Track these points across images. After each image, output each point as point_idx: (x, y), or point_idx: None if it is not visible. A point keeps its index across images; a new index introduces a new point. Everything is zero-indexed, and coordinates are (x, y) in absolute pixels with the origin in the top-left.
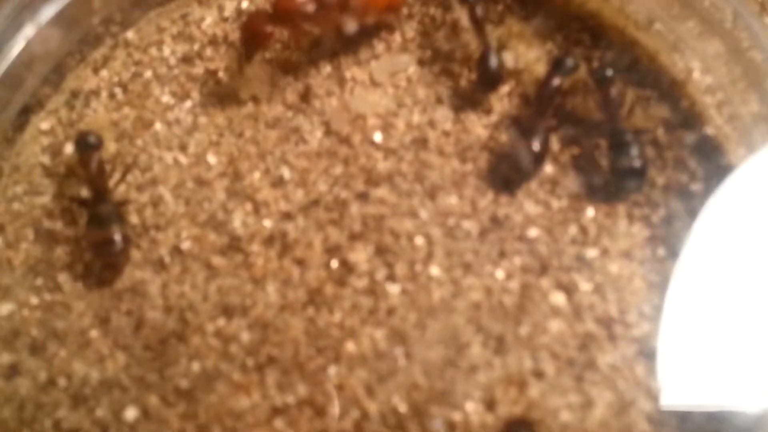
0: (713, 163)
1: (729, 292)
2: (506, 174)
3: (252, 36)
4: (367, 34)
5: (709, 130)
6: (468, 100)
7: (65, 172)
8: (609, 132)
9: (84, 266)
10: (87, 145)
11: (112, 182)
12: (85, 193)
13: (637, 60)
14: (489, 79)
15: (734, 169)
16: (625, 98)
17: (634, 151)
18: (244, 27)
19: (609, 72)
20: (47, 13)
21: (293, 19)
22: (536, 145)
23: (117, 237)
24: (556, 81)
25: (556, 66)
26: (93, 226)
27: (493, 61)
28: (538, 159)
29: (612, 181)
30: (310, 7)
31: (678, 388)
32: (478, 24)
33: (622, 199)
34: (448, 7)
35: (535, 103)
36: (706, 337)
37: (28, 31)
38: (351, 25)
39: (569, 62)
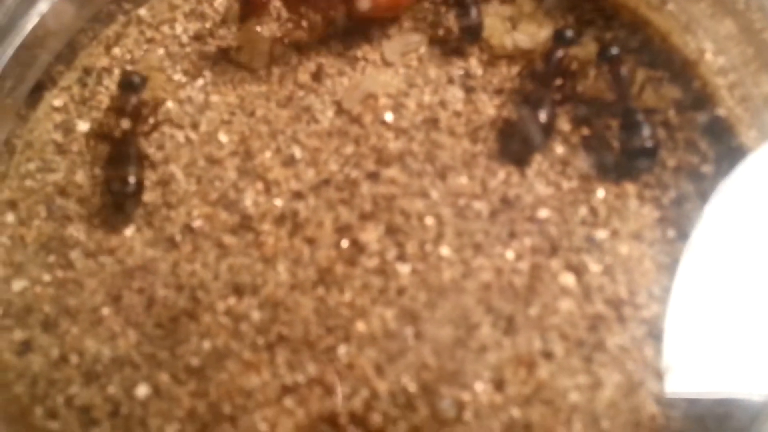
0: (724, 144)
1: (738, 276)
2: (517, 153)
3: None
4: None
5: (721, 112)
6: (478, 80)
7: (78, 149)
8: (620, 112)
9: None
10: (130, 84)
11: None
12: (125, 124)
13: (650, 40)
14: (470, 30)
15: (745, 151)
16: (635, 77)
17: (646, 130)
18: None
19: (615, 50)
20: None
21: None
22: (543, 116)
23: (132, 179)
24: (559, 53)
25: (557, 37)
26: (113, 163)
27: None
28: (546, 130)
29: (623, 161)
30: None
31: (685, 372)
32: None
33: (633, 179)
34: None
35: (540, 76)
36: (714, 321)
37: (42, 7)
38: (364, 2)
39: (568, 33)
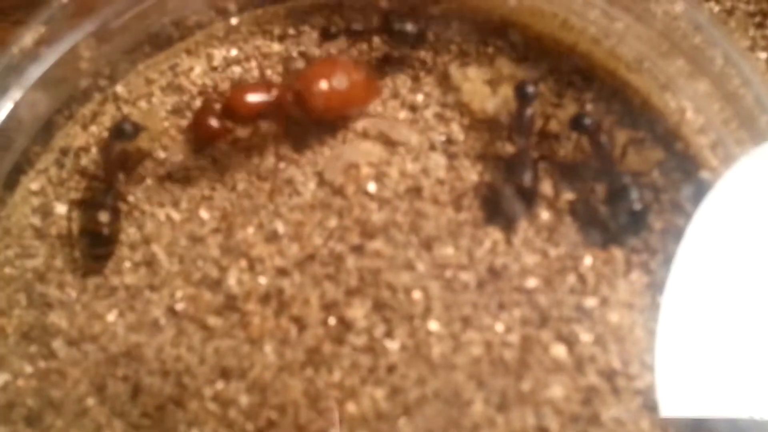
0: None
1: (717, 315)
2: (502, 220)
3: (202, 132)
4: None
5: (705, 173)
6: (460, 146)
7: (56, 233)
8: (605, 177)
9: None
10: (121, 132)
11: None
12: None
13: (629, 101)
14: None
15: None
16: (615, 141)
17: (634, 194)
18: (193, 122)
19: (588, 120)
20: (33, 74)
21: (244, 118)
22: (526, 180)
23: (104, 218)
24: (528, 111)
25: (519, 94)
26: (88, 207)
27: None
28: (530, 195)
29: (612, 226)
30: (262, 105)
31: (677, 404)
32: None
33: (621, 243)
34: (438, 51)
35: (515, 139)
36: (701, 357)
37: (15, 95)
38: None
39: (530, 88)
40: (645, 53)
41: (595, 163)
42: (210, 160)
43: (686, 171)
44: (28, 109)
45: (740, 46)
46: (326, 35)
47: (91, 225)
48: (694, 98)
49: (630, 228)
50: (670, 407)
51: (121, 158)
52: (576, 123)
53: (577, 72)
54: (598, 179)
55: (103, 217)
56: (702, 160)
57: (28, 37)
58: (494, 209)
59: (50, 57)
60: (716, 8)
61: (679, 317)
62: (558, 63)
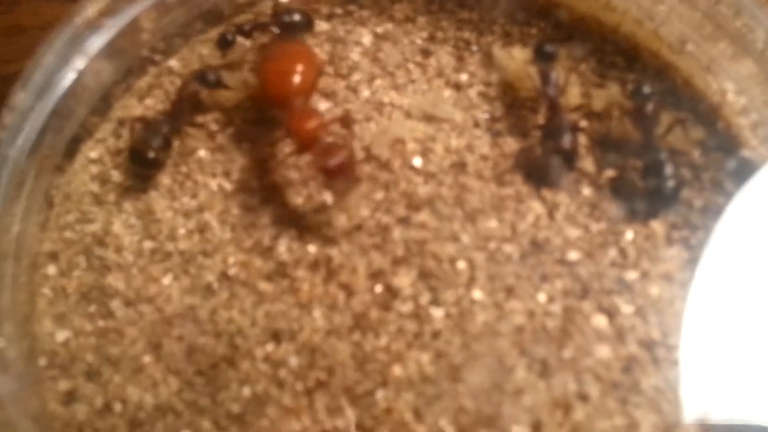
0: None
1: (754, 307)
2: (545, 195)
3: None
4: (405, 59)
5: (746, 152)
6: (504, 123)
7: (114, 200)
8: (645, 153)
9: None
10: (203, 78)
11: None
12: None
13: (672, 82)
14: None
15: None
16: (659, 117)
17: (668, 170)
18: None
19: (647, 89)
20: (96, 44)
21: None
22: (566, 142)
23: (155, 143)
24: (552, 72)
25: (538, 54)
26: (145, 132)
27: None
28: (570, 157)
29: (646, 201)
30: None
31: (712, 405)
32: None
33: (658, 219)
34: (482, 32)
35: (547, 105)
36: (731, 351)
37: (78, 63)
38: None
39: (548, 48)
40: (688, 35)
41: (635, 140)
42: (260, 133)
43: (727, 150)
44: (93, 77)
45: None
46: (224, 43)
47: (141, 146)
48: (737, 79)
49: (663, 203)
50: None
51: (191, 99)
52: (636, 91)
53: (619, 53)
54: (638, 156)
55: (155, 142)
56: (743, 140)
57: (90, 9)
58: (537, 185)
59: (112, 28)
60: None
61: (711, 323)
62: (601, 44)
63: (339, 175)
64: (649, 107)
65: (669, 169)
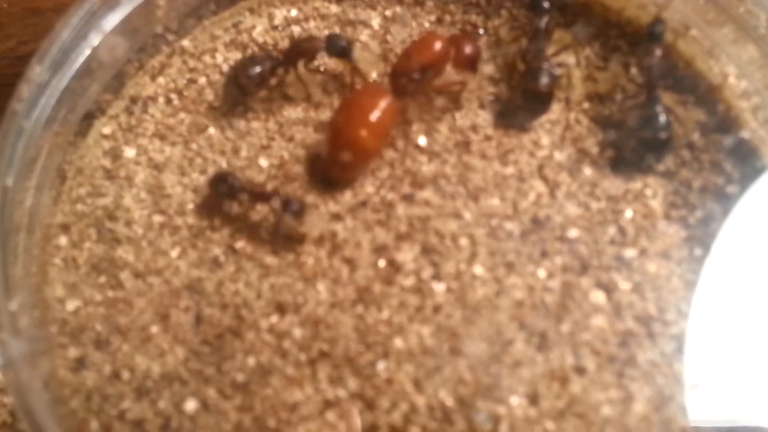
0: (749, 165)
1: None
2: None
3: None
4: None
5: (745, 134)
6: (508, 105)
7: (125, 175)
8: (643, 100)
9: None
10: (334, 46)
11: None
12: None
13: (674, 65)
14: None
15: None
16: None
17: (662, 119)
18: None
19: (660, 26)
20: (112, 21)
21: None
22: (543, 83)
23: (253, 71)
24: (542, 20)
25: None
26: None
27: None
28: (546, 99)
29: (636, 149)
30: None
31: (714, 386)
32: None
33: (661, 200)
34: (489, 16)
35: (529, 47)
36: (740, 336)
37: (93, 40)
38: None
39: (545, 2)
40: (691, 19)
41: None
42: (268, 112)
43: (726, 132)
44: (107, 53)
45: None
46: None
47: (243, 77)
48: (739, 64)
49: (653, 154)
50: (705, 397)
51: (308, 55)
52: (653, 30)
53: (623, 37)
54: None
55: (254, 70)
56: (743, 122)
57: None
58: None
59: (127, 5)
60: None
61: (717, 310)
62: (605, 28)
63: (469, 65)
64: (658, 51)
65: (663, 118)
